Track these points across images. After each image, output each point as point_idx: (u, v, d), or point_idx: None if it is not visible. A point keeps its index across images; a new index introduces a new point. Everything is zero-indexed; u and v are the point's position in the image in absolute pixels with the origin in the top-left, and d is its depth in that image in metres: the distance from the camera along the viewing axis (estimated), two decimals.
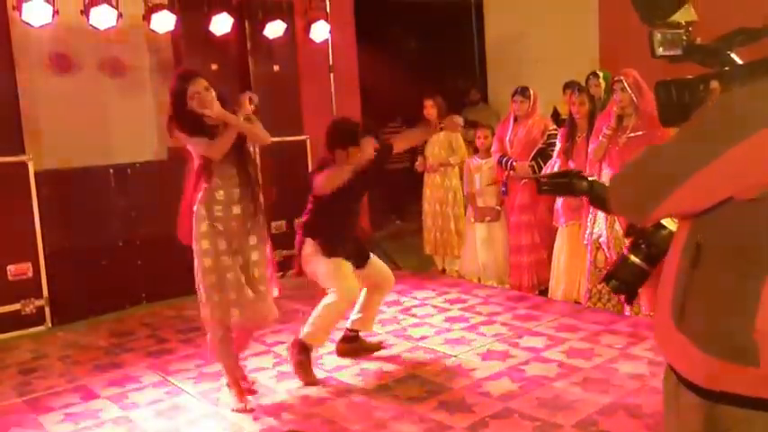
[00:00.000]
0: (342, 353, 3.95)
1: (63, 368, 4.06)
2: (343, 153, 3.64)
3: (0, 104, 4.77)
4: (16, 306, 4.81)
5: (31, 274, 4.88)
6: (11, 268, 4.80)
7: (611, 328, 4.13)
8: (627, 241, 1.65)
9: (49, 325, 4.93)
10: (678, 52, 1.52)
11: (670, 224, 1.51)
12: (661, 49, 1.52)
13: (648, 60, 1.61)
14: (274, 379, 3.71)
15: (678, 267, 1.27)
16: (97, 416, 3.36)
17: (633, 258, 1.60)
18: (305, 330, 3.63)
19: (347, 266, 3.71)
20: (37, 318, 4.90)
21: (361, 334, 4.00)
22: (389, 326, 4.49)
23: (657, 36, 1.51)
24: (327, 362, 3.90)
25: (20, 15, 4.81)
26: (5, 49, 4.81)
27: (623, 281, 1.63)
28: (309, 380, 3.58)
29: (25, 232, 4.86)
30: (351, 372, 3.75)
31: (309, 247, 3.70)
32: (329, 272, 3.65)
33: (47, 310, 4.94)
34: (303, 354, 3.61)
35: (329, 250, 3.66)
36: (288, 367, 3.72)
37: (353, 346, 3.96)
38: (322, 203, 3.68)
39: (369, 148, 3.60)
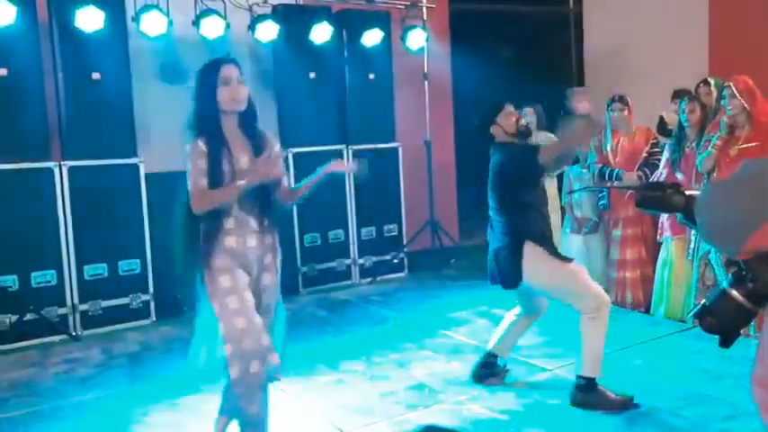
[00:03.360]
0: (480, 378, 3.61)
1: (168, 359, 4.27)
2: (498, 128, 3.37)
3: (117, 111, 5.08)
4: (125, 300, 5.10)
5: (139, 270, 5.16)
6: (121, 264, 5.10)
7: (721, 351, 3.90)
8: (728, 272, 1.37)
9: (154, 319, 5.19)
10: None
11: None
12: None
13: (765, 70, 1.40)
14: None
15: None
16: (198, 406, 3.50)
17: (734, 294, 1.33)
18: (583, 368, 3.25)
19: (582, 266, 3.34)
20: (143, 311, 5.18)
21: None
22: (484, 335, 4.42)
23: None
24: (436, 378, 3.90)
25: (137, 26, 5.13)
26: (123, 59, 5.12)
27: (720, 319, 1.37)
28: (620, 403, 3.23)
29: (135, 231, 5.15)
30: (442, 381, 3.73)
31: (531, 251, 3.23)
32: (570, 280, 3.22)
33: (152, 304, 5.20)
34: (594, 390, 3.24)
35: (555, 251, 3.28)
36: None
37: (493, 371, 3.60)
38: (516, 199, 3.30)
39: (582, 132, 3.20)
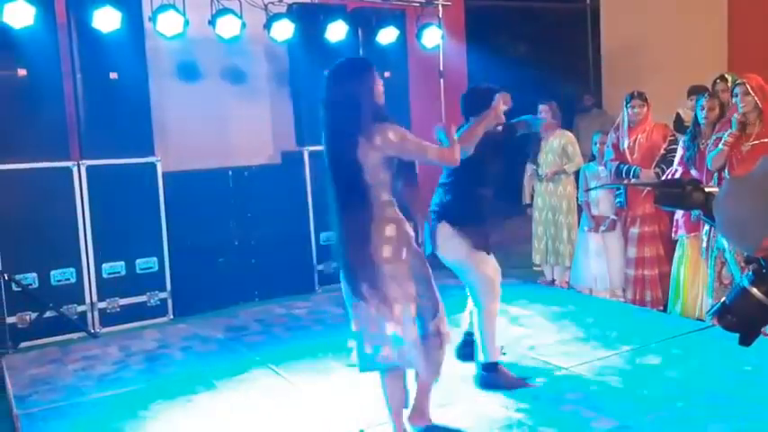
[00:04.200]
0: (465, 358, 3.76)
1: (184, 357, 4.30)
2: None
3: (135, 110, 5.13)
4: (143, 297, 5.15)
5: (156, 268, 5.21)
6: (139, 262, 5.15)
7: (739, 349, 3.84)
8: (747, 269, 1.35)
9: (171, 317, 5.23)
10: None
11: None
12: None
13: None
14: None
15: None
16: (214, 404, 3.52)
17: (755, 292, 1.31)
18: (482, 356, 3.53)
19: (489, 260, 3.50)
20: (161, 309, 5.22)
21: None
22: (499, 334, 4.39)
23: None
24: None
25: (154, 26, 5.16)
26: (140, 59, 5.17)
27: (741, 318, 1.34)
28: (518, 383, 3.51)
29: (152, 229, 5.19)
30: (457, 379, 3.71)
31: (445, 229, 3.47)
32: (470, 265, 3.46)
33: (169, 302, 5.25)
34: (496, 372, 3.52)
35: (474, 240, 3.44)
36: None
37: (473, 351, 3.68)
38: (458, 183, 3.51)
39: (499, 104, 3.27)
